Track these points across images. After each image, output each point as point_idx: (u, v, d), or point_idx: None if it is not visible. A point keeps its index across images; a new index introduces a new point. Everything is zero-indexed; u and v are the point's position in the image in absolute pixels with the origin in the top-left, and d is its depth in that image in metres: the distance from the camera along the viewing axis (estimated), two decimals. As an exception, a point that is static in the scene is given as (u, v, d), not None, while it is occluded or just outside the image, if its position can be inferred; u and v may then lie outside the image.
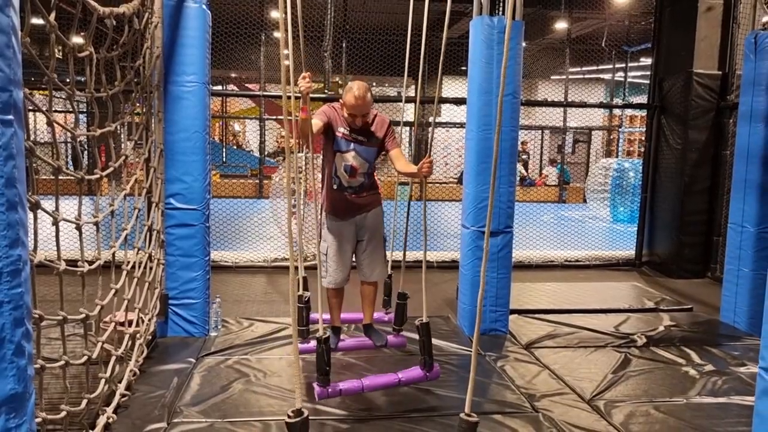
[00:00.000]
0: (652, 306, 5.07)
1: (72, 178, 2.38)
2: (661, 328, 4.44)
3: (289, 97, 2.43)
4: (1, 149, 1.30)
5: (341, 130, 3.21)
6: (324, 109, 3.26)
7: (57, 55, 2.15)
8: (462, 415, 2.00)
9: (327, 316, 3.94)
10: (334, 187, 3.29)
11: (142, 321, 3.44)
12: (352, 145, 3.23)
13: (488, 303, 4.16)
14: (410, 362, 3.29)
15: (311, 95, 2.88)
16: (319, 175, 6.26)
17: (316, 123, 3.10)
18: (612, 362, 3.71)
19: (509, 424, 2.86)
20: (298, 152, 3.78)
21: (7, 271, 1.37)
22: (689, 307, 5.09)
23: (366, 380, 2.99)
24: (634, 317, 4.75)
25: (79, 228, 2.36)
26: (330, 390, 2.81)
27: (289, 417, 2.05)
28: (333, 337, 3.34)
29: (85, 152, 9.71)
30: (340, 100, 3.21)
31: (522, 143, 16.21)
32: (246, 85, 16.52)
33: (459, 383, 3.31)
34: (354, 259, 3.45)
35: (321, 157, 3.42)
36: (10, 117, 1.34)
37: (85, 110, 8.98)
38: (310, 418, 2.15)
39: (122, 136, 3.34)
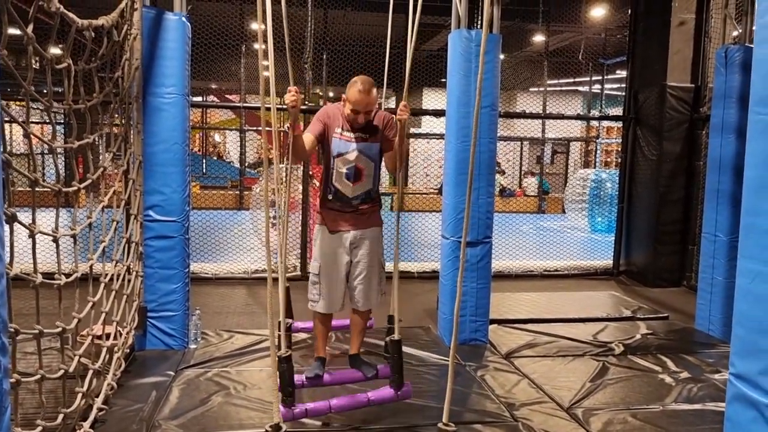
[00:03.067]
0: (629, 315, 5.14)
1: (49, 190, 2.37)
2: (638, 337, 4.50)
3: (268, 109, 2.43)
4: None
5: (339, 131, 2.97)
6: (320, 112, 3.04)
7: (35, 66, 2.14)
8: (440, 425, 2.01)
9: (301, 324, 3.94)
10: (329, 197, 3.02)
11: (120, 334, 3.40)
12: (353, 145, 2.96)
13: (468, 313, 4.18)
14: (381, 381, 3.08)
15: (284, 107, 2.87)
16: (300, 186, 6.30)
17: (308, 137, 2.91)
18: (590, 371, 3.75)
19: (489, 434, 2.88)
20: (279, 163, 3.75)
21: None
22: (665, 315, 5.17)
23: (334, 400, 2.87)
24: (612, 326, 4.81)
25: (56, 240, 2.34)
26: (296, 411, 2.70)
27: (266, 431, 2.04)
28: (317, 366, 3.06)
29: (63, 164, 9.60)
30: (343, 96, 2.97)
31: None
32: (227, 96, 16.49)
33: (439, 393, 3.31)
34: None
35: (301, 168, 3.39)
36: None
37: (62, 122, 8.89)
38: (287, 431, 2.14)
39: (100, 147, 3.32)
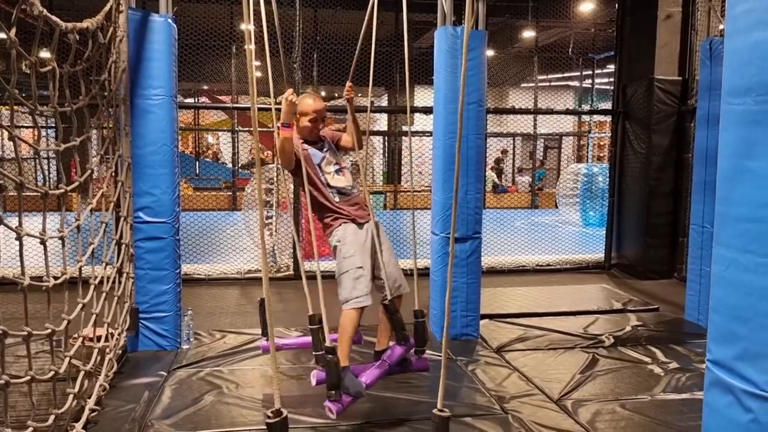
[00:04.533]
0: (619, 307, 5.18)
1: (37, 193, 2.38)
2: (628, 329, 4.54)
3: (260, 109, 2.46)
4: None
5: (306, 146, 3.08)
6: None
7: (25, 71, 2.16)
8: (434, 410, 2.07)
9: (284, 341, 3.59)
10: (336, 199, 3.03)
11: (112, 336, 3.41)
12: (320, 152, 3.10)
13: (459, 308, 4.21)
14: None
15: (279, 107, 2.89)
16: (291, 186, 6.30)
17: (295, 144, 2.96)
18: (580, 363, 3.78)
19: (479, 426, 2.91)
20: (270, 163, 3.78)
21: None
22: (655, 307, 5.21)
23: (363, 377, 2.84)
24: (603, 318, 4.85)
25: (43, 243, 2.35)
26: (344, 400, 2.68)
27: (268, 417, 2.07)
28: (351, 380, 2.75)
29: (55, 168, 9.58)
30: (298, 124, 3.06)
31: (502, 152, 16.41)
32: (218, 97, 16.47)
33: (432, 388, 3.34)
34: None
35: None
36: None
37: (50, 125, 8.88)
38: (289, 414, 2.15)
39: (92, 150, 3.33)
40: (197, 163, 15.90)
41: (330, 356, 2.61)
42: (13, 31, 2.08)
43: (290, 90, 2.86)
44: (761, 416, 1.44)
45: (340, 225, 3.02)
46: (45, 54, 2.38)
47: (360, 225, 3.04)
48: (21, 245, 2.14)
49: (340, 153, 3.25)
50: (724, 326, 1.56)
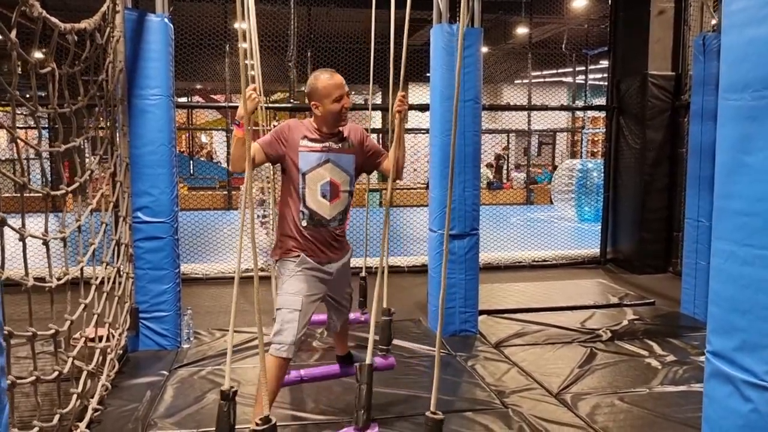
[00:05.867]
0: (616, 302, 5.22)
1: (36, 195, 2.39)
2: (625, 323, 4.58)
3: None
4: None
5: (304, 143, 2.58)
6: (279, 127, 2.67)
7: (19, 72, 2.16)
8: (427, 413, 2.01)
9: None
10: (303, 223, 2.57)
11: (113, 336, 3.42)
12: (324, 156, 2.58)
13: (457, 305, 4.24)
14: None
15: (277, 104, 2.85)
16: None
17: (255, 147, 2.51)
18: (578, 357, 3.82)
19: (480, 421, 2.94)
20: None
21: (-22, 286, 1.40)
22: (651, 301, 5.25)
23: (303, 371, 2.85)
24: (600, 313, 4.88)
25: (46, 243, 2.36)
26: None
27: (257, 425, 2.02)
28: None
29: (49, 169, 9.55)
30: (314, 103, 2.60)
31: (503, 148, 16.45)
32: (212, 96, 16.44)
33: (429, 384, 3.33)
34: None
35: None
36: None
37: (47, 126, 8.85)
38: (278, 424, 2.15)
39: (86, 151, 3.33)
40: (191, 162, 15.88)
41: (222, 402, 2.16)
42: (14, 33, 2.09)
43: (253, 86, 2.42)
44: (761, 406, 1.47)
45: (288, 260, 2.59)
46: (39, 55, 2.38)
47: (316, 264, 2.58)
48: (24, 246, 2.15)
49: (355, 172, 2.70)
50: (724, 318, 1.59)
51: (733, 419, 1.55)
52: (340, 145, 2.63)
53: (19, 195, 2.15)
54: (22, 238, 2.15)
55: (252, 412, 2.58)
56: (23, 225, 2.14)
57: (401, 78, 2.59)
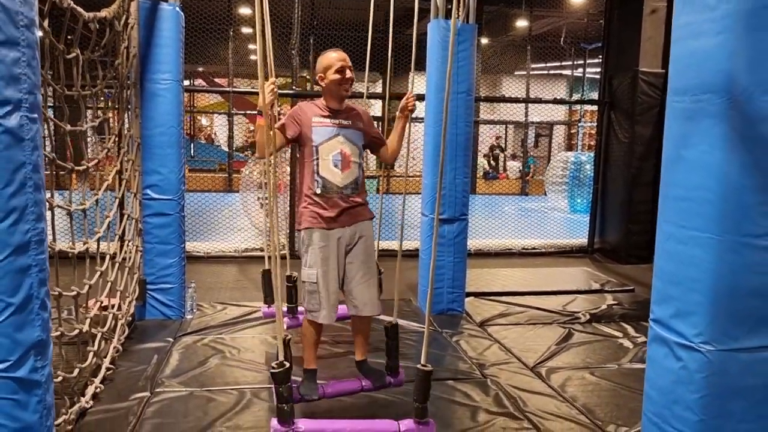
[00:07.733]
0: (597, 288, 5.49)
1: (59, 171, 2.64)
2: (604, 307, 4.86)
3: (254, 93, 2.65)
4: (29, 141, 1.57)
5: (316, 119, 2.77)
6: (292, 110, 2.89)
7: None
8: (418, 365, 2.32)
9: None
10: (318, 191, 2.74)
11: (123, 304, 3.68)
12: (335, 130, 2.78)
13: (445, 285, 4.50)
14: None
15: (279, 91, 3.03)
16: (287, 168, 6.55)
17: (277, 135, 2.73)
18: (556, 336, 4.09)
19: (460, 388, 3.21)
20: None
21: (35, 240, 1.66)
22: (631, 288, 5.52)
23: (328, 387, 2.80)
24: (581, 298, 5.16)
25: (70, 214, 2.61)
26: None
27: (273, 368, 2.21)
28: (309, 383, 2.76)
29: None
30: (320, 76, 2.82)
31: (496, 137, 16.66)
32: (214, 79, 16.59)
33: (418, 356, 3.62)
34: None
35: (288, 150, 3.12)
36: (35, 115, 1.63)
37: (52, 105, 9.07)
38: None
39: (105, 131, 3.57)
40: (192, 144, 16.08)
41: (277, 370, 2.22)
42: (46, 22, 2.32)
43: (272, 79, 2.52)
44: (689, 363, 1.73)
45: (305, 229, 2.76)
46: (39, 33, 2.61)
47: (331, 230, 2.73)
48: (53, 215, 2.40)
49: (362, 148, 2.89)
50: (663, 290, 1.85)
51: (667, 377, 1.81)
52: (349, 121, 2.84)
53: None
54: (51, 208, 2.40)
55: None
56: (52, 195, 2.39)
57: (411, 67, 2.83)
